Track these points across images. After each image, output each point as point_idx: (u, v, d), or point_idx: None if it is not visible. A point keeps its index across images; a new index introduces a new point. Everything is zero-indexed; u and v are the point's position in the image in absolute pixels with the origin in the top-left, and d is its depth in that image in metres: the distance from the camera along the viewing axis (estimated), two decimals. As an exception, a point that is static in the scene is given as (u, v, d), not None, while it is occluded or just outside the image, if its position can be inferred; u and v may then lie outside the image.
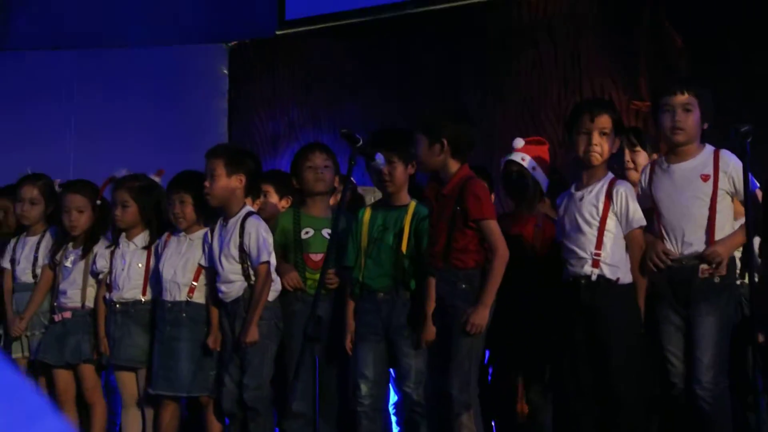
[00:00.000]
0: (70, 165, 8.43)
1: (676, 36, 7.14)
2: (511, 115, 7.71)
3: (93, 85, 8.98)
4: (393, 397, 5.47)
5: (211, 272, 5.51)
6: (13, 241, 6.33)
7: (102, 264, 5.88)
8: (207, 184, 5.44)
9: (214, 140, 6.93)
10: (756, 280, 4.53)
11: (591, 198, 4.70)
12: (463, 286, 4.70)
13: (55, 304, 6.02)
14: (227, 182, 5.43)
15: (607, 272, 4.63)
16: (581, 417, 4.71)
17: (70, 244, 6.06)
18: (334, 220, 5.12)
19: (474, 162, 5.05)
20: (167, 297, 5.57)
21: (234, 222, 5.42)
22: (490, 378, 5.34)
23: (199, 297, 5.56)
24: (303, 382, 4.89)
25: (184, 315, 5.54)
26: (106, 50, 9.06)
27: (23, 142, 8.59)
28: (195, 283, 5.56)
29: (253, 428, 5.35)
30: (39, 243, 6.20)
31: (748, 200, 4.48)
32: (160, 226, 5.82)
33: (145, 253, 5.79)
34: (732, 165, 4.63)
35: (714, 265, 4.62)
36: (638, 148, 5.23)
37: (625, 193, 4.68)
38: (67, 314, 5.94)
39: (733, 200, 4.73)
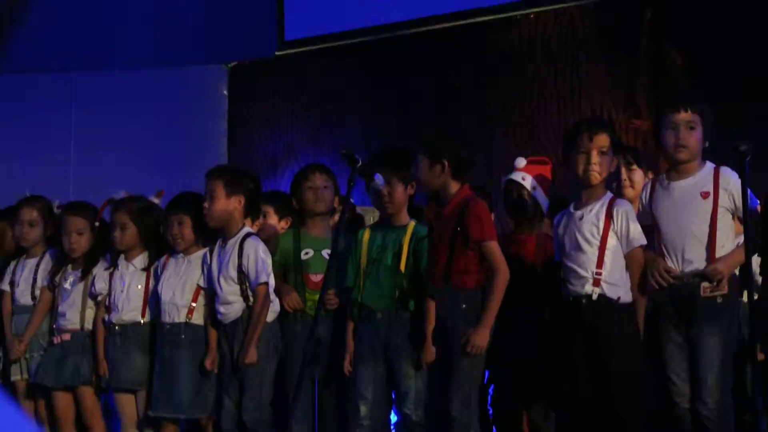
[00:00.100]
0: (70, 186, 8.44)
1: (676, 55, 7.15)
2: (511, 134, 7.72)
3: (93, 106, 9.00)
4: (393, 418, 5.45)
5: (209, 293, 5.50)
6: (12, 264, 6.34)
7: (101, 286, 5.88)
8: (206, 205, 5.44)
9: (213, 161, 6.93)
10: (756, 298, 4.52)
11: (591, 217, 4.70)
12: (464, 306, 4.69)
13: (54, 326, 6.02)
14: (226, 203, 5.43)
15: (608, 291, 4.62)
16: (582, 437, 4.69)
17: (70, 266, 6.07)
18: (333, 241, 5.11)
19: (473, 181, 5.04)
20: (166, 318, 5.56)
21: (233, 243, 5.41)
22: (490, 398, 5.32)
23: (198, 318, 5.54)
24: (302, 403, 4.87)
25: (183, 336, 5.52)
26: (106, 72, 9.07)
27: (23, 163, 8.61)
28: (194, 304, 5.55)
29: (253, 449, 5.33)
30: (38, 265, 6.21)
31: (747, 218, 4.47)
32: (159, 247, 5.81)
33: (144, 274, 5.79)
34: (732, 182, 4.63)
35: (715, 283, 4.61)
36: (634, 167, 5.25)
37: (625, 213, 4.67)
38: (66, 336, 5.93)
39: (734, 218, 4.72)
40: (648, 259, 4.71)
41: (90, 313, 5.92)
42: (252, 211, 5.62)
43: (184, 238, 5.62)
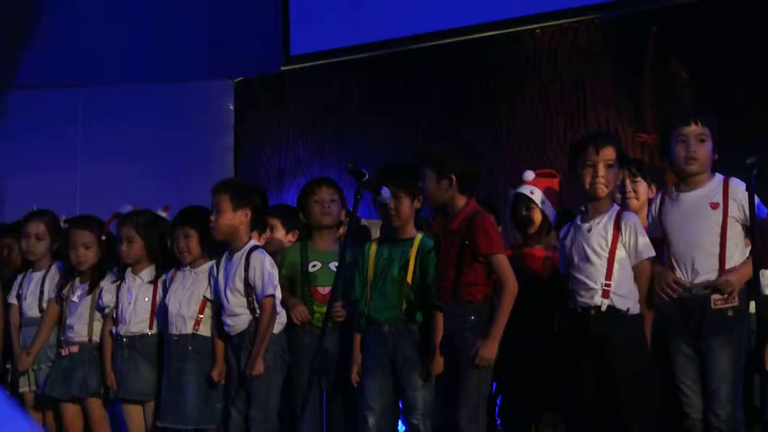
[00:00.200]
0: (77, 201, 8.46)
1: (681, 69, 7.16)
2: (517, 148, 7.74)
3: (100, 121, 9.03)
4: (401, 429, 5.45)
5: (216, 305, 5.52)
6: (19, 277, 6.37)
7: (108, 298, 5.90)
8: (212, 218, 5.46)
9: (220, 175, 6.97)
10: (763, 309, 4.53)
11: (599, 229, 4.71)
12: (472, 318, 4.71)
13: (62, 338, 6.03)
14: (232, 217, 5.45)
15: (617, 302, 4.63)
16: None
17: (77, 279, 6.10)
18: (340, 254, 5.12)
19: (479, 194, 5.06)
20: (173, 330, 5.58)
21: (239, 256, 5.43)
22: (497, 410, 5.33)
23: (205, 330, 5.56)
24: (310, 414, 4.87)
25: (190, 348, 5.54)
26: (113, 87, 9.11)
27: (30, 179, 8.64)
28: (201, 316, 5.56)
29: (260, 461, 5.33)
30: (45, 278, 6.24)
31: (755, 230, 4.47)
32: (166, 260, 5.83)
33: (151, 287, 5.81)
34: (742, 192, 4.62)
35: (726, 295, 4.61)
36: (638, 178, 5.30)
37: (633, 225, 4.69)
38: (74, 348, 5.95)
39: (744, 228, 4.72)
40: (656, 271, 4.71)
41: (97, 326, 5.94)
42: (258, 224, 5.65)
43: (190, 252, 5.65)
